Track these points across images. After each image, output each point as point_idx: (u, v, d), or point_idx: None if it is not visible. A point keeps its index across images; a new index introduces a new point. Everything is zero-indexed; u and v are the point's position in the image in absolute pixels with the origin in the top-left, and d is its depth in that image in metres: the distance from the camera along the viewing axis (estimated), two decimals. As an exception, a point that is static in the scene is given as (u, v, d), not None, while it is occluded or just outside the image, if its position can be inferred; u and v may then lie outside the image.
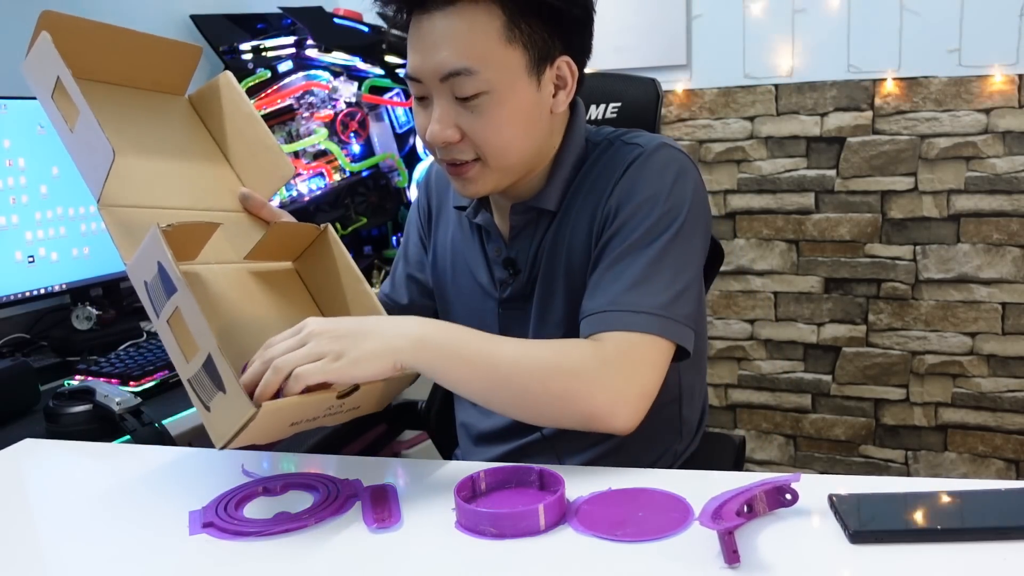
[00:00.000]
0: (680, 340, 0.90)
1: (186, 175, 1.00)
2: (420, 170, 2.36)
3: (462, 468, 0.85)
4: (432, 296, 1.19)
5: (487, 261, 1.08)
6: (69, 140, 0.89)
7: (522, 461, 0.83)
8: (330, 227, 1.01)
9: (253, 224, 1.02)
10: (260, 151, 1.05)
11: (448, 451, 1.36)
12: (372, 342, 0.80)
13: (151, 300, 0.81)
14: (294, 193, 2.23)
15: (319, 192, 2.24)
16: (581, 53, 0.97)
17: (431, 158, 1.22)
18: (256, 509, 0.80)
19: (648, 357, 0.88)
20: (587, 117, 1.31)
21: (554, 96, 0.96)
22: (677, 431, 1.11)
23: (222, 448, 0.76)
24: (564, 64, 0.95)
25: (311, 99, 2.27)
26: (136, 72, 1.01)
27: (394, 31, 0.98)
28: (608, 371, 0.85)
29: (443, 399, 1.40)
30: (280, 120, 2.23)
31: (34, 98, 0.92)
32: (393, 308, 1.21)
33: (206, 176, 1.03)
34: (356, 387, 0.82)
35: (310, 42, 2.27)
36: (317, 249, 1.01)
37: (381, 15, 0.95)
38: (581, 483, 0.79)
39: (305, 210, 2.19)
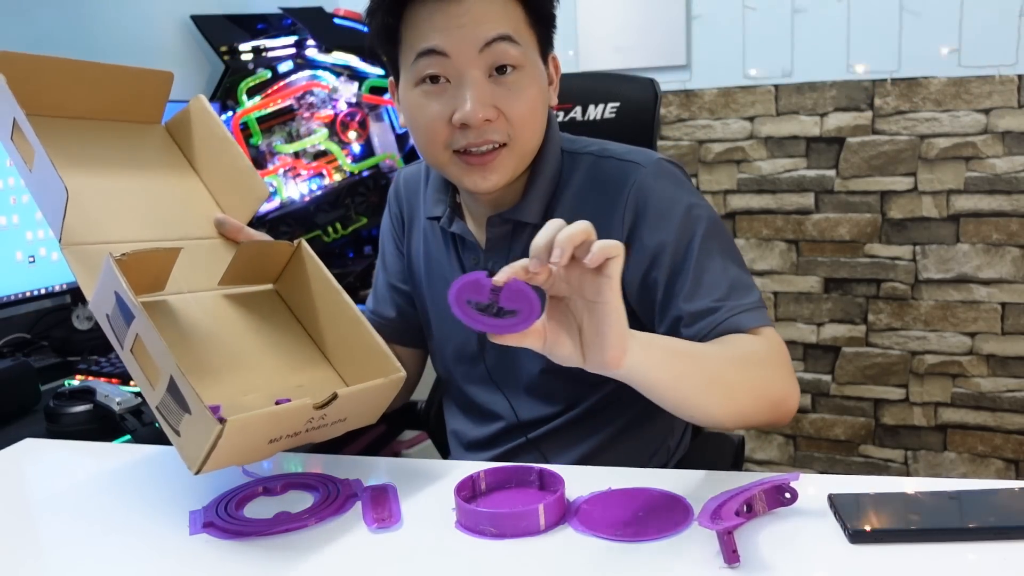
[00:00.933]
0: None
1: (158, 206, 0.98)
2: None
3: (462, 468, 0.85)
4: (416, 304, 1.17)
5: (464, 270, 1.06)
6: (29, 180, 0.87)
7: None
8: (303, 243, 0.98)
9: (229, 251, 0.99)
10: (234, 174, 1.03)
11: (448, 451, 1.36)
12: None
13: (114, 332, 0.79)
14: (294, 194, 2.23)
15: (319, 192, 2.24)
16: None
17: (413, 164, 1.20)
18: (256, 509, 0.80)
19: (783, 344, 0.91)
20: (586, 117, 1.31)
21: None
22: (669, 427, 1.12)
23: (197, 472, 0.73)
24: (551, 60, 1.00)
25: (311, 99, 2.27)
26: (105, 104, 0.99)
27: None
28: (780, 357, 0.88)
29: (443, 400, 1.40)
30: (280, 120, 2.23)
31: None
32: (380, 323, 1.20)
33: (181, 204, 1.00)
34: (334, 396, 0.79)
35: (310, 42, 2.27)
36: (294, 267, 0.99)
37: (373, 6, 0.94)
38: (581, 483, 0.79)
39: (305, 210, 2.19)
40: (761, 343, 0.88)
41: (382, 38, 0.96)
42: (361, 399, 0.84)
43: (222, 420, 0.70)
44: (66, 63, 0.93)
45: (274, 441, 0.78)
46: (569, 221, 0.97)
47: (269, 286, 1.00)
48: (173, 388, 0.73)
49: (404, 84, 0.96)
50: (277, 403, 0.81)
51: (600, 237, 0.95)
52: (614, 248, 0.65)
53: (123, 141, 1.01)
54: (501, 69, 0.91)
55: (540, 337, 0.69)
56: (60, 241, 0.85)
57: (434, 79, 0.92)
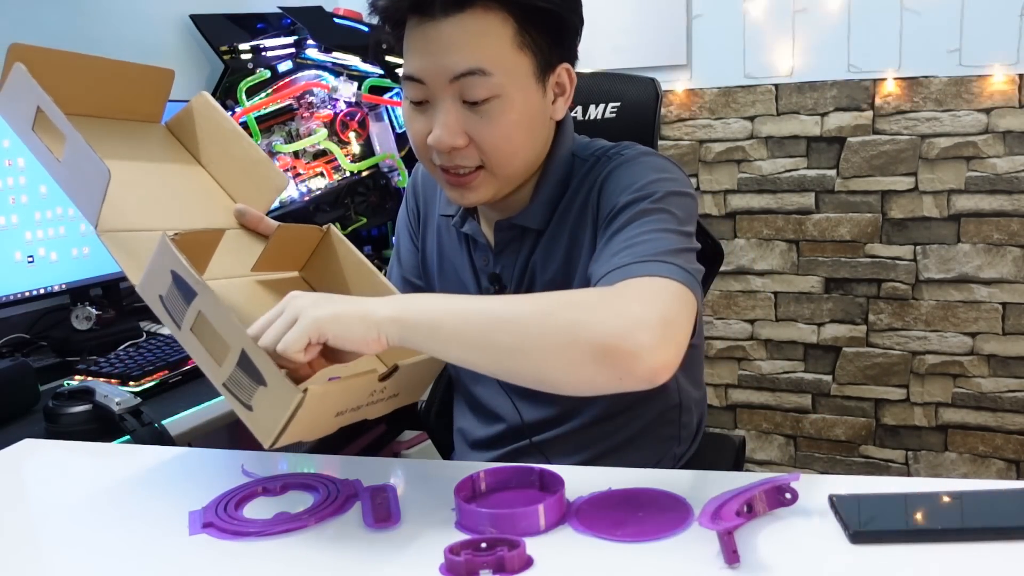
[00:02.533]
0: (696, 293, 0.81)
1: (176, 199, 0.99)
2: (420, 170, 2.36)
3: (462, 468, 0.84)
4: None
5: (474, 270, 1.06)
6: (57, 170, 0.86)
7: None
8: (333, 227, 1.00)
9: (253, 239, 1.00)
10: (250, 166, 1.03)
11: (447, 452, 1.36)
12: (353, 305, 0.75)
13: (170, 313, 0.78)
14: (294, 194, 2.23)
15: (319, 192, 2.24)
16: (574, 61, 0.98)
17: None
18: (256, 509, 0.80)
19: (668, 292, 0.77)
20: (586, 117, 1.31)
21: (553, 103, 0.96)
22: (676, 436, 1.11)
23: (271, 447, 0.72)
24: (564, 71, 0.95)
25: (311, 99, 2.27)
26: (108, 101, 0.99)
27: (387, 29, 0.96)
28: (619, 299, 0.76)
29: (442, 400, 1.40)
30: (280, 120, 2.23)
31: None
32: None
33: (197, 198, 1.01)
34: (396, 367, 0.80)
35: (310, 42, 2.27)
36: (322, 252, 1.00)
37: (382, 15, 0.93)
38: (581, 483, 0.79)
39: (305, 210, 2.19)
40: (607, 288, 0.78)
41: (391, 45, 0.97)
42: (415, 373, 0.85)
43: (303, 390, 0.70)
44: (74, 57, 0.93)
45: (340, 414, 0.78)
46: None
47: (295, 274, 1.01)
48: (245, 361, 0.72)
49: (403, 97, 0.96)
50: (330, 380, 0.81)
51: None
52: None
53: (129, 138, 1.01)
54: (473, 101, 0.89)
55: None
56: (96, 228, 0.84)
57: (417, 100, 0.92)
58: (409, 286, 1.19)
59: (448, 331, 0.73)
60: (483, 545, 0.68)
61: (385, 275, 1.00)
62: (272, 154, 2.21)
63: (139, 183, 0.96)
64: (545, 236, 1.00)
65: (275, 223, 1.02)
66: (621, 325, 0.71)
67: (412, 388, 0.88)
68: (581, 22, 0.96)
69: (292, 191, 2.23)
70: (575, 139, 1.03)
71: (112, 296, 1.72)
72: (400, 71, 0.96)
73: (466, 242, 1.07)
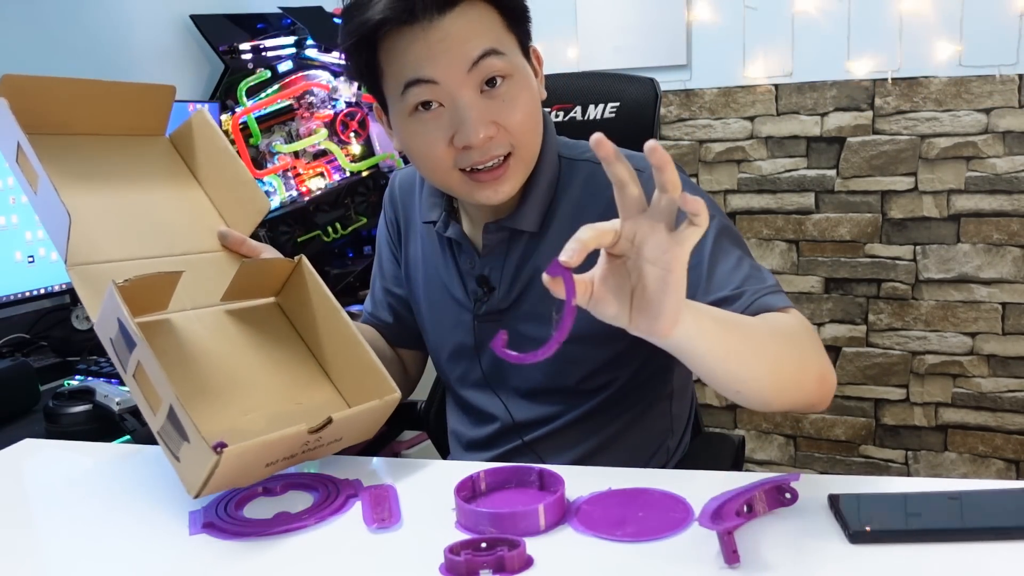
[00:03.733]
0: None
1: (163, 220, 0.99)
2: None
3: (462, 468, 0.85)
4: (412, 309, 1.17)
5: (460, 274, 1.06)
6: (35, 202, 0.89)
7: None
8: (304, 259, 0.98)
9: (233, 262, 1.00)
10: (237, 187, 1.04)
11: (447, 452, 1.36)
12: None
13: (117, 356, 0.81)
14: (293, 193, 2.23)
15: (319, 192, 2.24)
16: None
17: (407, 167, 1.19)
18: (256, 509, 0.80)
19: (812, 326, 0.88)
20: (586, 117, 1.31)
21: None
22: (668, 429, 1.11)
23: (196, 496, 0.76)
24: (533, 51, 0.98)
25: (311, 99, 2.27)
26: (109, 120, 1.00)
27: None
28: (815, 335, 0.85)
29: (442, 400, 1.40)
30: (280, 120, 2.23)
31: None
32: (379, 326, 1.20)
33: (185, 218, 1.02)
34: (329, 420, 0.81)
35: (310, 42, 2.27)
36: (296, 281, 0.99)
37: (350, 44, 0.91)
38: (581, 483, 0.79)
39: (305, 210, 2.19)
40: (796, 321, 0.85)
41: (361, 71, 0.94)
42: (356, 421, 0.86)
43: (220, 448, 0.72)
44: (70, 83, 0.94)
45: (271, 464, 0.81)
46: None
47: (271, 300, 1.01)
48: (172, 416, 0.75)
49: (396, 114, 0.94)
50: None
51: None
52: (702, 214, 0.62)
53: (128, 156, 1.02)
54: (491, 82, 0.90)
55: (585, 291, 0.66)
56: (66, 263, 0.86)
57: (426, 105, 0.90)
58: (391, 296, 1.19)
59: (727, 347, 0.74)
60: (483, 545, 0.68)
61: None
62: (272, 154, 2.22)
63: (125, 206, 0.97)
64: (538, 238, 1.00)
65: (257, 245, 1.02)
66: (826, 361, 0.84)
67: (358, 431, 0.89)
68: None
69: (292, 191, 2.23)
70: (559, 140, 1.04)
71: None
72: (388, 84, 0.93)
73: (450, 246, 1.07)
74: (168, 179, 1.04)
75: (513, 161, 0.93)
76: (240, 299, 0.97)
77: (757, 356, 0.76)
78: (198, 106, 1.10)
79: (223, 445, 0.72)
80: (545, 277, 0.64)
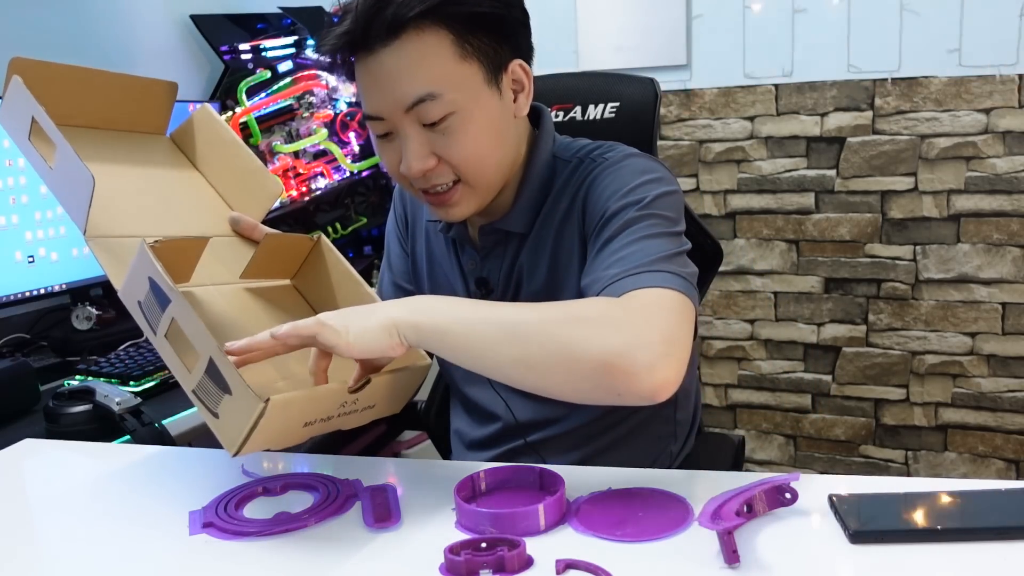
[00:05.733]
0: (692, 297, 0.82)
1: (172, 206, 0.99)
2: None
3: (462, 468, 0.85)
4: None
5: (463, 274, 1.06)
6: (50, 178, 0.88)
7: None
8: (323, 237, 1.00)
9: (246, 246, 1.01)
10: (246, 174, 1.04)
11: (448, 452, 1.36)
12: (374, 315, 0.77)
13: (147, 318, 0.80)
14: (294, 194, 2.24)
15: (319, 192, 2.24)
16: (527, 54, 0.96)
17: None
18: (256, 509, 0.80)
19: (668, 305, 0.78)
20: (586, 117, 1.31)
21: (515, 101, 0.95)
22: (671, 434, 1.11)
23: (235, 454, 0.73)
24: (517, 67, 0.94)
25: (311, 99, 2.27)
26: (113, 113, 1.00)
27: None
28: (620, 314, 0.76)
29: (442, 399, 1.40)
30: (280, 120, 2.23)
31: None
32: None
33: (195, 206, 1.02)
34: (367, 381, 0.81)
35: (310, 42, 2.27)
36: (313, 261, 1.00)
37: (327, 64, 0.93)
38: (581, 483, 0.79)
39: (305, 210, 2.19)
40: (608, 302, 0.79)
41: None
42: (391, 386, 0.85)
43: (265, 399, 0.70)
44: (77, 70, 0.94)
45: (308, 424, 0.79)
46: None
47: (286, 282, 1.01)
48: (212, 369, 0.73)
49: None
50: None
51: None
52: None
53: (133, 148, 1.02)
54: (431, 123, 0.88)
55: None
56: (85, 233, 0.85)
57: (382, 134, 0.93)
58: (400, 291, 1.18)
59: (455, 339, 0.77)
60: (483, 545, 0.68)
61: (375, 283, 1.00)
62: (272, 154, 2.22)
63: (136, 191, 0.97)
64: (530, 240, 1.00)
65: (270, 231, 1.02)
66: (620, 343, 0.72)
67: (391, 400, 0.88)
68: (525, 15, 0.94)
69: (292, 191, 2.23)
70: (556, 140, 1.03)
71: (112, 296, 1.72)
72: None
73: (453, 246, 1.07)
74: (173, 171, 1.04)
75: (463, 188, 0.92)
76: (259, 277, 0.98)
77: (500, 346, 0.75)
78: (199, 106, 1.10)
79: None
80: None
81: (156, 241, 0.79)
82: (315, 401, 0.78)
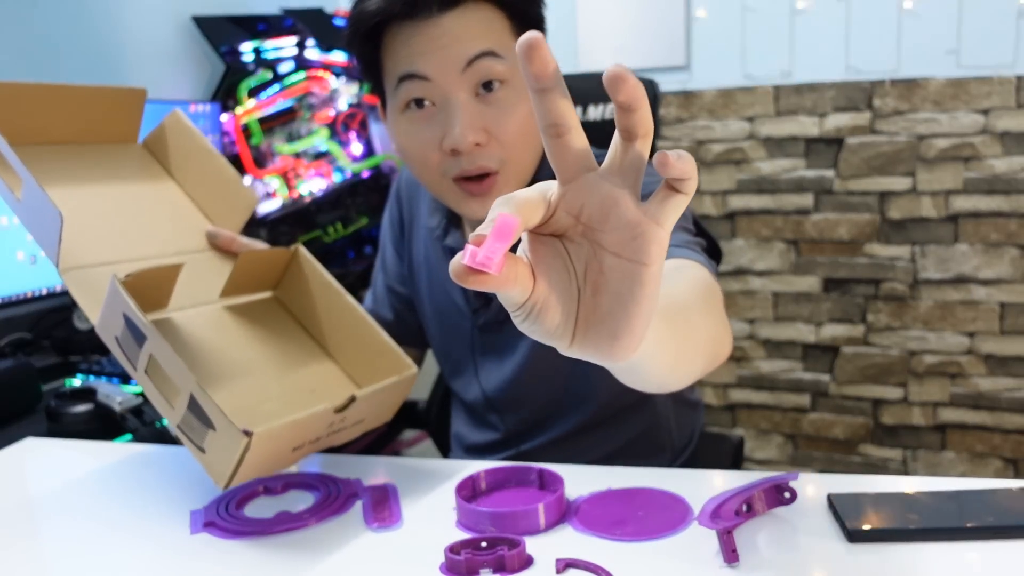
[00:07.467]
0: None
1: (148, 224, 0.98)
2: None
3: (462, 468, 0.85)
4: (415, 308, 1.16)
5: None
6: (19, 209, 0.86)
7: None
8: (301, 247, 0.97)
9: (225, 261, 0.99)
10: (220, 185, 1.02)
11: (448, 451, 1.36)
12: None
13: (125, 354, 0.79)
14: (295, 195, 2.24)
15: (319, 192, 2.24)
16: None
17: None
18: (257, 509, 0.81)
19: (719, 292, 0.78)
20: (585, 117, 1.32)
21: None
22: (669, 442, 1.11)
23: (226, 487, 0.75)
24: None
25: (312, 100, 2.27)
26: (82, 127, 0.98)
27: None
28: (719, 297, 0.76)
29: (443, 399, 1.41)
30: (281, 121, 2.23)
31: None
32: (380, 323, 1.20)
33: (170, 220, 1.00)
34: (352, 398, 0.81)
35: (311, 43, 2.27)
36: (293, 273, 0.99)
37: (349, 33, 0.90)
38: (581, 483, 0.79)
39: (306, 210, 2.19)
40: (709, 278, 0.76)
41: (364, 66, 0.93)
42: (377, 399, 0.85)
43: (248, 433, 0.71)
44: (38, 88, 0.91)
45: (297, 448, 0.79)
46: None
47: (268, 294, 1.00)
48: (194, 405, 0.73)
49: (391, 110, 0.92)
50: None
51: None
52: (692, 177, 0.42)
53: (105, 162, 1.00)
54: (487, 86, 0.86)
55: (524, 289, 0.43)
56: (58, 267, 0.84)
57: (419, 103, 0.88)
58: (393, 294, 1.18)
59: (672, 345, 0.61)
60: (483, 544, 0.68)
61: (369, 284, 0.99)
62: (273, 154, 2.22)
63: (110, 211, 0.95)
64: None
65: (248, 242, 0.99)
66: (727, 328, 0.74)
67: (379, 412, 0.88)
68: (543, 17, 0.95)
69: (293, 191, 2.24)
70: None
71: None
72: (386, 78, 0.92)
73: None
74: (147, 183, 1.02)
75: (501, 180, 0.89)
76: (239, 294, 0.96)
77: (696, 350, 0.63)
78: (199, 106, 1.09)
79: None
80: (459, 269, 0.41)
81: (128, 276, 0.77)
82: (301, 426, 0.77)
